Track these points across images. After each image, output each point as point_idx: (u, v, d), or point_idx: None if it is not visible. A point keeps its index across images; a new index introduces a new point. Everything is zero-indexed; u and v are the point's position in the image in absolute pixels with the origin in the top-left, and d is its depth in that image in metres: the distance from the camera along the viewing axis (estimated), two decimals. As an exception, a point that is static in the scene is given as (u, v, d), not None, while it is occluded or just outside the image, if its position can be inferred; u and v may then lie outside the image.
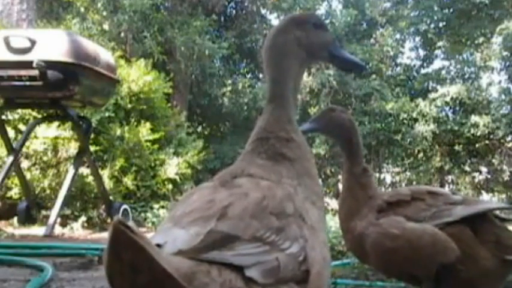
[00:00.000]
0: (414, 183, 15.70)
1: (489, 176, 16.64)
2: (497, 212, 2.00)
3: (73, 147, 5.73)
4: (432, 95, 15.49)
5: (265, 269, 0.88)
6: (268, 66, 1.30)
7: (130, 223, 0.75)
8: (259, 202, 0.99)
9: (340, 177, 14.49)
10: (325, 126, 2.09)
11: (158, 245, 0.86)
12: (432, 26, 17.37)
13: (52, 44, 4.18)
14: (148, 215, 5.99)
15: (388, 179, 17.06)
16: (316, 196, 1.19)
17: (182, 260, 0.82)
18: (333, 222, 4.40)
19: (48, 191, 5.55)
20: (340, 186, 2.26)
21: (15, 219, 5.09)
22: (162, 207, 6.30)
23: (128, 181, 6.30)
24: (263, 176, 1.12)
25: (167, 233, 0.90)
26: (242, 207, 0.96)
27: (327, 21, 16.96)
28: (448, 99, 15.14)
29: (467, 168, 16.64)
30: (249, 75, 17.29)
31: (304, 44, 1.30)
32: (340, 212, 2.09)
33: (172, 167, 6.90)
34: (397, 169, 17.16)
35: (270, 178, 1.12)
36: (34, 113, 5.73)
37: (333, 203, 13.13)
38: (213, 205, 0.97)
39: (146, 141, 6.70)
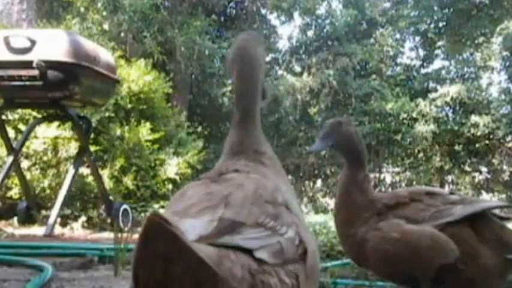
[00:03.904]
0: (414, 183, 15.70)
1: (489, 176, 16.64)
2: (497, 211, 2.00)
3: (73, 147, 5.73)
4: (432, 95, 15.48)
5: (272, 251, 0.93)
6: (238, 79, 1.32)
7: (165, 215, 0.76)
8: (255, 191, 1.04)
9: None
10: (336, 142, 2.08)
11: None
12: (432, 25, 17.37)
13: (52, 44, 4.18)
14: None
15: (388, 179, 17.05)
16: (292, 194, 1.25)
17: (208, 247, 0.84)
18: (333, 222, 4.39)
19: (48, 191, 5.55)
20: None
21: (15, 219, 5.09)
22: (162, 207, 6.30)
23: (128, 181, 6.30)
24: (250, 171, 1.17)
25: (182, 224, 0.90)
26: (242, 196, 1.01)
27: (327, 21, 16.98)
28: (448, 99, 15.13)
29: (467, 168, 16.63)
30: (249, 75, 17.27)
31: (263, 60, 1.37)
32: (338, 218, 2.07)
33: (172, 167, 6.90)
34: (397, 169, 17.15)
35: (257, 173, 1.17)
36: (34, 113, 5.73)
37: (333, 203, 13.11)
38: (213, 196, 1.00)
39: (146, 141, 6.70)
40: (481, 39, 16.35)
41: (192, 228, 0.89)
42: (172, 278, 0.78)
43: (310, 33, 17.18)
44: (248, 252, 0.89)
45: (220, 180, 1.11)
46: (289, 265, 0.96)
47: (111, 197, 5.17)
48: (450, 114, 15.82)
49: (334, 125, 2.09)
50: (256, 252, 0.90)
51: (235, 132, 1.30)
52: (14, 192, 5.46)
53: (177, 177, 6.92)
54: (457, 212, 1.86)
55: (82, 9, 12.12)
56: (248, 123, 1.29)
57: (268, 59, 17.59)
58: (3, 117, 4.91)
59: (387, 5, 17.93)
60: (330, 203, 15.40)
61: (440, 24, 17.49)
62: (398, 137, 15.46)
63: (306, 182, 17.24)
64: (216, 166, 1.27)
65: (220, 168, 1.20)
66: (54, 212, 4.48)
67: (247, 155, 1.26)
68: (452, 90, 15.09)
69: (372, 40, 16.94)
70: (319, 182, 17.43)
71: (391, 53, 17.14)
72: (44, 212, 5.20)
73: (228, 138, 1.32)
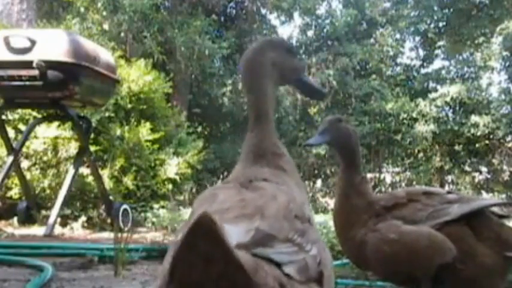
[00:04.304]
0: (414, 183, 15.70)
1: (489, 176, 16.63)
2: (496, 209, 2.00)
3: (73, 147, 5.73)
4: (432, 95, 15.47)
5: (298, 267, 0.96)
6: (249, 85, 1.36)
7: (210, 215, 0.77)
8: (287, 205, 1.06)
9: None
10: (334, 138, 2.09)
11: None
12: (432, 25, 17.36)
13: (52, 44, 4.18)
14: (148, 215, 5.98)
15: (388, 179, 17.04)
16: (306, 200, 1.27)
17: (245, 254, 0.87)
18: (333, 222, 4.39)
19: (48, 191, 5.55)
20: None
21: (15, 219, 5.09)
22: (162, 207, 6.30)
23: (128, 181, 6.30)
24: (278, 181, 1.20)
25: None
26: (275, 209, 1.03)
27: (327, 21, 16.97)
28: (448, 99, 15.12)
29: (467, 168, 16.63)
30: (249, 75, 17.27)
31: (277, 66, 1.38)
32: (337, 221, 2.07)
33: (172, 167, 6.90)
34: (397, 169, 17.14)
35: (283, 184, 1.20)
36: (34, 113, 5.73)
37: (333, 203, 13.10)
38: (247, 204, 1.02)
39: (146, 141, 6.70)
40: (481, 39, 16.34)
41: (229, 234, 0.89)
42: (210, 278, 0.79)
43: (310, 33, 17.18)
44: (277, 265, 0.92)
45: (251, 187, 1.13)
46: (311, 283, 0.99)
47: (111, 197, 5.17)
48: (450, 114, 15.81)
49: (333, 122, 2.11)
50: (285, 267, 0.93)
51: (252, 135, 1.34)
52: (14, 192, 5.46)
53: (177, 177, 6.92)
54: (454, 211, 1.86)
55: (82, 9, 12.11)
56: (263, 126, 1.33)
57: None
58: (3, 117, 4.91)
59: (387, 5, 17.93)
60: (330, 203, 15.38)
61: (440, 24, 17.48)
62: (398, 137, 15.45)
63: (306, 182, 17.23)
64: (237, 169, 1.30)
65: (248, 174, 1.22)
66: (54, 212, 4.49)
67: (268, 159, 1.29)
68: (452, 90, 15.08)
69: (372, 40, 16.93)
70: (319, 182, 17.42)
71: (391, 53, 17.13)
72: (44, 212, 5.20)
73: (245, 141, 1.35)
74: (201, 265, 0.78)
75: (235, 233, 0.91)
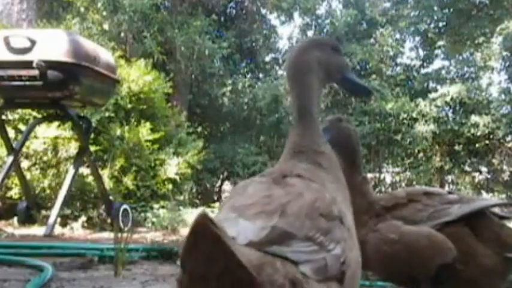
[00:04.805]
0: (414, 183, 15.70)
1: (489, 176, 16.63)
2: (497, 210, 2.00)
3: (73, 147, 5.74)
4: (432, 95, 15.46)
5: (316, 267, 0.97)
6: (292, 83, 1.38)
7: (211, 216, 0.81)
8: (312, 203, 1.07)
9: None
10: (335, 137, 2.08)
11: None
12: (432, 25, 17.35)
13: (52, 44, 4.18)
14: (148, 215, 5.99)
15: (388, 179, 17.04)
16: (348, 201, 1.29)
17: (252, 252, 0.89)
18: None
19: (48, 191, 5.56)
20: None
21: (15, 219, 5.09)
22: (162, 207, 6.30)
23: (128, 181, 6.30)
24: (311, 178, 1.20)
25: (236, 224, 0.97)
26: (298, 207, 1.04)
27: (327, 21, 16.96)
28: (448, 99, 15.11)
29: (467, 168, 16.62)
30: (249, 75, 17.28)
31: (323, 64, 1.39)
32: None
33: (172, 167, 6.91)
34: (397, 169, 17.13)
35: (316, 181, 1.20)
36: (34, 113, 5.73)
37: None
38: (272, 201, 1.04)
39: (146, 141, 6.70)
40: (481, 39, 16.33)
41: (244, 231, 0.94)
42: (214, 274, 0.84)
43: (310, 33, 17.17)
44: (295, 264, 0.94)
45: (282, 183, 1.15)
46: (330, 282, 1.00)
47: (111, 197, 5.17)
48: (450, 114, 15.80)
49: (334, 121, 2.11)
50: (301, 265, 0.94)
51: (294, 132, 1.35)
52: (14, 192, 5.46)
53: (177, 177, 6.92)
54: (454, 212, 1.86)
55: (82, 9, 12.11)
56: (306, 123, 1.34)
57: (268, 59, 17.58)
58: (3, 117, 4.91)
59: (387, 5, 17.93)
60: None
61: (440, 24, 17.48)
62: (398, 137, 15.44)
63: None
64: (278, 164, 1.32)
65: (284, 169, 1.24)
66: (54, 212, 4.48)
67: (308, 155, 1.30)
68: (452, 90, 15.07)
69: (372, 40, 16.93)
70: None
71: (391, 53, 17.12)
72: (44, 212, 5.20)
73: (288, 138, 1.37)
74: (204, 261, 0.83)
75: (249, 230, 0.94)
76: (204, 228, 0.80)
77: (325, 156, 1.33)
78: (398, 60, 18.08)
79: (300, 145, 1.32)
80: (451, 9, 16.97)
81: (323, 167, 1.29)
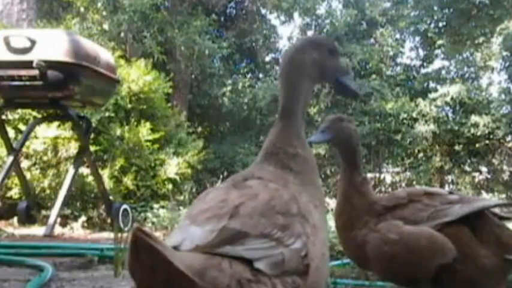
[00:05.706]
0: (414, 183, 15.70)
1: (489, 176, 16.63)
2: (497, 210, 1.99)
3: (73, 147, 5.74)
4: (432, 95, 15.47)
5: (272, 262, 0.97)
6: (282, 82, 1.37)
7: (147, 228, 0.85)
8: (267, 202, 1.07)
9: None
10: (335, 137, 2.08)
11: (174, 247, 0.95)
12: (432, 25, 17.36)
13: (52, 44, 4.18)
14: (148, 215, 5.98)
15: (388, 179, 17.04)
16: (319, 201, 1.28)
17: (195, 257, 0.91)
18: (333, 222, 4.39)
19: (48, 191, 5.55)
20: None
21: (15, 219, 5.09)
22: (162, 207, 6.29)
23: (128, 181, 6.30)
24: (271, 179, 1.20)
25: (185, 230, 1.00)
26: (252, 207, 1.05)
27: (327, 21, 16.97)
28: (448, 99, 15.12)
29: (467, 168, 16.63)
30: (249, 75, 17.30)
31: (317, 65, 1.38)
32: (338, 221, 2.07)
33: (172, 167, 6.90)
34: (397, 169, 17.14)
35: (277, 182, 1.20)
36: (34, 113, 5.73)
37: (333, 203, 13.10)
38: (226, 204, 1.05)
39: (146, 141, 6.70)
40: (481, 39, 16.35)
41: (191, 237, 0.96)
42: (159, 283, 0.87)
43: (310, 33, 17.17)
44: (248, 262, 0.94)
45: (241, 186, 1.15)
46: (288, 277, 1.00)
47: (111, 197, 5.17)
48: (450, 114, 15.81)
49: (335, 120, 2.10)
50: (256, 262, 0.95)
51: (272, 132, 1.35)
52: (14, 192, 5.46)
53: (177, 177, 6.92)
54: (454, 212, 1.86)
55: (82, 9, 12.12)
56: (285, 123, 1.33)
57: (268, 59, 17.59)
58: (3, 117, 4.91)
59: (387, 5, 17.93)
60: (330, 202, 15.38)
61: (440, 24, 17.48)
62: (398, 137, 15.45)
63: (306, 182, 17.22)
64: (249, 167, 1.32)
65: (247, 172, 1.25)
66: (54, 212, 4.48)
67: (279, 157, 1.29)
68: (452, 90, 15.08)
69: (372, 40, 16.94)
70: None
71: (391, 53, 17.13)
72: (44, 212, 5.20)
73: (267, 137, 1.37)
74: (148, 272, 0.86)
75: (197, 235, 0.96)
76: (140, 241, 0.83)
77: (298, 159, 1.30)
78: (398, 60, 18.11)
79: (274, 146, 1.31)
80: (451, 9, 16.97)
81: (292, 170, 1.27)
